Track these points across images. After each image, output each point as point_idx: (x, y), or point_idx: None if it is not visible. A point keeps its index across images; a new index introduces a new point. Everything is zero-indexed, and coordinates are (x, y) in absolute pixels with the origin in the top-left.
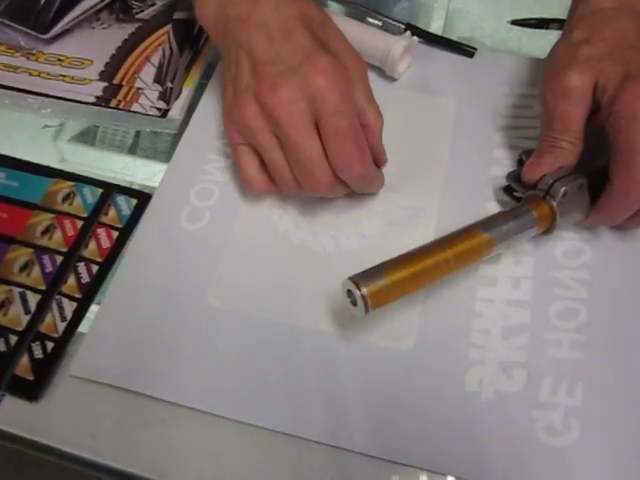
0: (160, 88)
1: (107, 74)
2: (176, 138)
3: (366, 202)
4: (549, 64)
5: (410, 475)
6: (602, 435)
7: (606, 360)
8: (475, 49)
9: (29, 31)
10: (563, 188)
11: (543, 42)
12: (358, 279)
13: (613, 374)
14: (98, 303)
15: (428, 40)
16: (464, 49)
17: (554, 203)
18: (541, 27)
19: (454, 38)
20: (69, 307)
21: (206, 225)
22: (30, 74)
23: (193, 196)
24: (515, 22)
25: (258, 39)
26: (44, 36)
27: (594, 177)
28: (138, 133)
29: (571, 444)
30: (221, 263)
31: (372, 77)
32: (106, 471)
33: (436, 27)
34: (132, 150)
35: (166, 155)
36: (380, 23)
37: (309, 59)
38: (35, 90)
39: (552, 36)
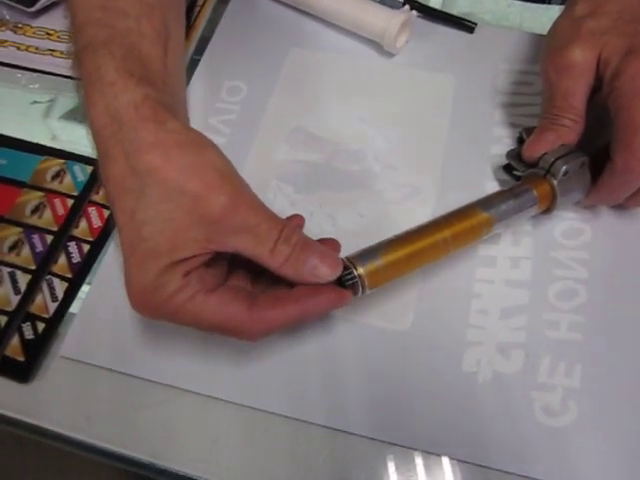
0: None
1: None
2: None
3: (364, 181)
4: (551, 39)
5: (406, 456)
6: (600, 416)
7: (604, 341)
8: (475, 24)
9: (14, 4)
10: (564, 166)
11: (544, 17)
12: (354, 259)
13: (611, 355)
14: (89, 283)
15: (427, 15)
16: (464, 24)
17: (555, 182)
18: (542, 1)
19: (454, 13)
20: (60, 287)
21: None
22: (18, 48)
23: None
24: None
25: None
26: (29, 9)
27: (595, 155)
28: None
29: (569, 425)
30: None
31: (370, 52)
32: (100, 453)
33: (435, 1)
34: None
35: None
36: None
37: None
38: (23, 65)
39: (553, 11)
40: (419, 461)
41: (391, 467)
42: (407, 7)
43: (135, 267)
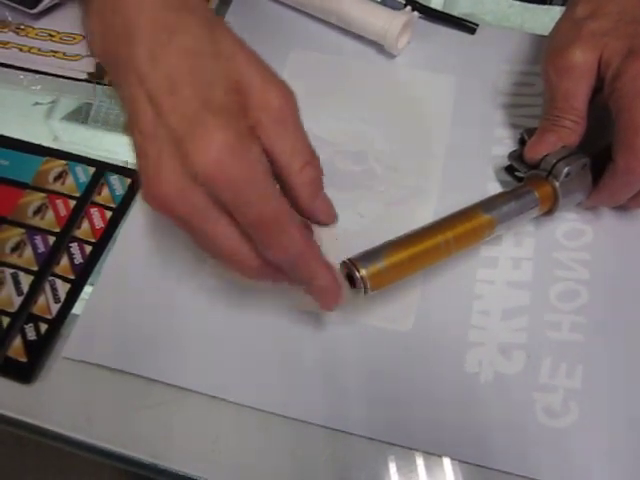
0: None
1: None
2: None
3: (365, 181)
4: (552, 40)
5: (407, 456)
6: (601, 417)
7: (606, 342)
8: (476, 25)
9: (16, 6)
10: (566, 168)
11: (546, 18)
12: (357, 260)
13: (613, 356)
14: (92, 284)
15: (429, 16)
16: (465, 25)
17: (557, 183)
18: (544, 2)
19: (455, 14)
20: (62, 288)
21: None
22: (20, 50)
23: None
24: None
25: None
26: (32, 11)
27: (596, 156)
28: None
29: (570, 426)
30: None
31: (371, 53)
32: (101, 453)
33: (437, 2)
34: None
35: None
36: None
37: (194, 127)
38: (25, 66)
39: (554, 12)
40: (420, 462)
41: (392, 468)
42: (409, 8)
43: (213, 120)
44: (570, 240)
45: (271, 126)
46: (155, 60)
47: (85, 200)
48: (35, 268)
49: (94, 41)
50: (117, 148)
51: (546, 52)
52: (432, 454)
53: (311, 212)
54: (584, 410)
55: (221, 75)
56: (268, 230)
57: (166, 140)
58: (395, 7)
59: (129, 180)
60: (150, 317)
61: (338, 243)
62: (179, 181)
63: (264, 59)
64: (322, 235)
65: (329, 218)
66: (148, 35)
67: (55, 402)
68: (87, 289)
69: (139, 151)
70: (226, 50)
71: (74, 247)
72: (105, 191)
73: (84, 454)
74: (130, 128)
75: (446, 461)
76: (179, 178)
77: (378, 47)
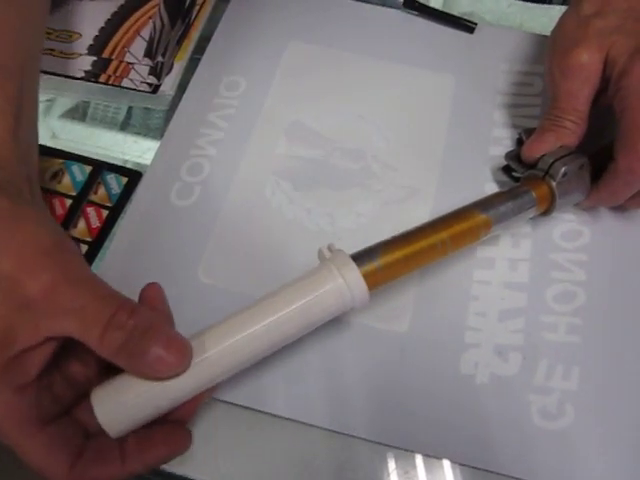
0: (151, 63)
1: (96, 48)
2: (168, 114)
3: (363, 180)
4: (557, 38)
5: (407, 458)
6: (597, 419)
7: (602, 344)
8: (475, 24)
9: None
10: (563, 168)
11: (545, 17)
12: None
13: (609, 358)
14: None
15: (428, 15)
16: (464, 24)
17: (554, 183)
18: (543, 2)
19: (454, 13)
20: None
21: (196, 201)
22: None
23: (184, 172)
24: None
25: None
26: None
27: (595, 157)
28: (130, 109)
29: (566, 428)
30: (211, 240)
31: (371, 49)
32: None
33: (436, 1)
34: (124, 127)
35: (158, 132)
36: None
37: None
38: None
39: (554, 11)
40: (419, 464)
41: (391, 469)
42: None
43: None
44: (567, 241)
45: (45, 316)
46: None
47: (81, 199)
48: None
49: None
50: (114, 147)
51: (550, 51)
52: (430, 456)
53: (147, 374)
54: (580, 412)
55: None
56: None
57: None
58: (394, 5)
59: (125, 179)
60: None
61: (334, 240)
62: None
63: (260, 54)
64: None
65: (180, 359)
66: None
67: None
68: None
69: None
70: None
71: (90, 211)
72: (101, 190)
73: None
74: None
75: (446, 463)
76: None
77: (378, 43)
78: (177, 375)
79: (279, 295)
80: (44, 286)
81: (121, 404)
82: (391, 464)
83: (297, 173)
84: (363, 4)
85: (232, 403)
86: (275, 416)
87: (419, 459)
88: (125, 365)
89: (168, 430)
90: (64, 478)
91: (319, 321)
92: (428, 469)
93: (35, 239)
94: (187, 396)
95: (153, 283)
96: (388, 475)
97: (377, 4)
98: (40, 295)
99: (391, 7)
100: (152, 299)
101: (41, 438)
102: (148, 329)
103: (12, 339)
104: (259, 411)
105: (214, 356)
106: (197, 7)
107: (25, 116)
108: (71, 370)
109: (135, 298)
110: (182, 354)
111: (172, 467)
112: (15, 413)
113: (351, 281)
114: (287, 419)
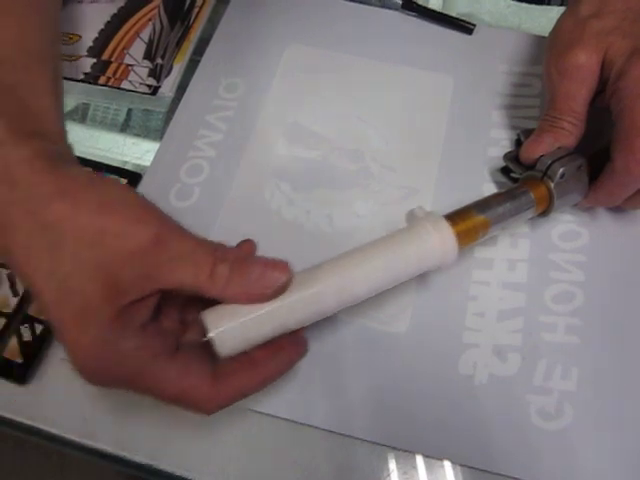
0: (150, 64)
1: (96, 50)
2: (167, 116)
3: (361, 180)
4: (555, 40)
5: (408, 459)
6: (596, 420)
7: (601, 344)
8: (474, 25)
9: None
10: (561, 169)
11: (543, 19)
12: None
13: (608, 358)
14: None
15: (426, 16)
16: (463, 25)
17: (552, 184)
18: (541, 3)
19: (453, 14)
20: None
21: (195, 202)
22: None
23: (183, 173)
24: None
25: None
26: None
27: (593, 158)
28: (130, 111)
29: (565, 428)
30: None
31: (369, 50)
32: (97, 454)
33: (435, 3)
34: (123, 128)
35: (157, 133)
36: None
37: (62, 334)
38: None
39: (552, 12)
40: (419, 464)
41: (392, 470)
42: None
43: (74, 327)
44: (566, 242)
45: (156, 269)
46: (9, 265)
47: None
48: None
49: None
50: (114, 148)
51: (548, 52)
52: (429, 457)
53: (255, 292)
54: (579, 412)
55: (74, 264)
56: (182, 406)
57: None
58: (392, 7)
59: (125, 180)
60: None
61: (334, 242)
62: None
63: (258, 56)
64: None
65: (272, 286)
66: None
67: (51, 403)
68: None
69: None
70: (66, 224)
71: None
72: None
73: (80, 455)
74: None
75: (445, 464)
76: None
77: (376, 44)
78: (282, 291)
79: (380, 244)
80: (152, 237)
81: (233, 324)
82: (391, 465)
83: (296, 174)
84: (362, 5)
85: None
86: (275, 417)
87: (419, 460)
88: (234, 295)
89: (288, 338)
90: (207, 395)
91: (413, 273)
92: (428, 470)
93: (130, 197)
94: (296, 323)
95: (248, 239)
96: (388, 476)
97: (376, 6)
98: (151, 246)
99: (390, 9)
100: (246, 248)
101: (176, 365)
102: (246, 258)
103: (124, 291)
104: (258, 412)
105: (324, 289)
106: (196, 9)
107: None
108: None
109: None
110: (282, 268)
111: (172, 467)
112: (146, 350)
113: (446, 238)
114: (287, 420)
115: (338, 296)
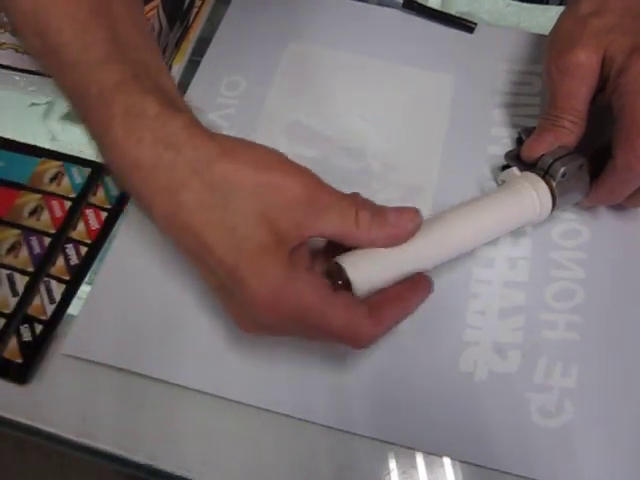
0: None
1: None
2: None
3: (363, 180)
4: (555, 38)
5: (408, 456)
6: (596, 417)
7: (601, 341)
8: (475, 24)
9: None
10: (563, 168)
11: (543, 18)
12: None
13: (608, 355)
14: (89, 283)
15: (427, 15)
16: (464, 24)
17: (553, 183)
18: (541, 2)
19: (452, 13)
20: (57, 289)
21: None
22: (16, 50)
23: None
24: None
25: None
26: None
27: (594, 156)
28: None
29: (565, 425)
30: None
31: (370, 49)
32: (97, 454)
33: (434, 2)
34: None
35: None
36: None
37: (237, 282)
38: (21, 67)
39: (552, 12)
40: (419, 461)
41: (392, 467)
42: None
43: (254, 269)
44: (566, 240)
45: (310, 217)
46: (173, 226)
47: (81, 201)
48: (31, 269)
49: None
50: None
51: (549, 50)
52: (431, 453)
53: (395, 237)
54: (579, 409)
55: (241, 215)
56: (344, 339)
57: (227, 292)
58: (393, 6)
59: None
60: (149, 315)
61: None
62: (250, 326)
63: (260, 54)
64: None
65: (413, 222)
66: (163, 202)
67: (51, 403)
68: (84, 288)
69: (214, 294)
70: (231, 180)
71: (70, 248)
72: (100, 192)
73: (80, 455)
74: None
75: (445, 461)
76: (246, 322)
77: (377, 43)
78: (414, 233)
79: (486, 200)
80: (306, 189)
81: (369, 265)
82: (391, 463)
83: None
84: (363, 4)
85: (232, 400)
86: (275, 413)
87: (419, 457)
88: (376, 238)
89: (416, 276)
90: (369, 327)
91: (514, 225)
92: (428, 468)
93: (281, 156)
94: (421, 266)
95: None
96: (388, 473)
97: (377, 4)
98: (306, 197)
99: (390, 7)
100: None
101: (341, 300)
102: (377, 206)
103: (286, 238)
104: (258, 408)
105: (445, 236)
106: (195, 9)
107: None
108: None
109: (139, 299)
110: (414, 212)
111: (172, 467)
112: (317, 286)
113: (542, 196)
114: (287, 417)
115: (456, 242)
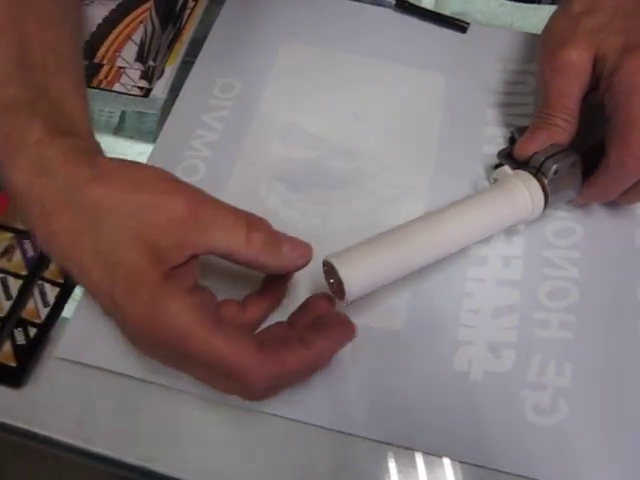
0: (142, 67)
1: (88, 52)
2: (160, 118)
3: (356, 180)
4: (548, 37)
5: (408, 456)
6: (591, 415)
7: (595, 340)
8: (468, 24)
9: None
10: (555, 165)
11: (535, 17)
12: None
13: (602, 354)
14: None
15: (420, 15)
16: (457, 24)
17: (545, 181)
18: (533, 1)
19: (446, 13)
20: (51, 292)
21: None
22: None
23: (179, 173)
24: None
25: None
26: None
27: (587, 154)
28: (123, 114)
29: (559, 424)
30: None
31: (364, 49)
32: (92, 457)
33: (427, 2)
34: (117, 131)
35: (151, 135)
36: None
37: (114, 310)
38: None
39: (544, 11)
40: (419, 461)
41: (392, 468)
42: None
43: (126, 294)
44: (560, 238)
45: (193, 235)
46: (51, 251)
47: None
48: (24, 272)
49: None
50: (108, 150)
51: (541, 49)
52: (427, 453)
53: (285, 268)
54: (573, 408)
55: (114, 239)
56: (234, 380)
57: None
58: (386, 6)
59: None
60: None
61: (328, 242)
62: (140, 349)
63: (254, 55)
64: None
65: (304, 259)
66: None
67: (45, 406)
68: (79, 289)
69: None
70: (102, 204)
71: None
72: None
73: (75, 458)
74: None
75: (445, 462)
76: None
77: (371, 42)
78: (302, 267)
79: (478, 198)
80: (186, 205)
81: (362, 263)
82: (390, 462)
83: (291, 174)
84: (356, 3)
85: (228, 404)
86: (272, 415)
87: (418, 457)
88: (266, 263)
89: (337, 319)
90: (256, 363)
91: (506, 224)
92: (427, 467)
93: (159, 173)
94: (418, 263)
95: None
96: (386, 473)
97: (370, 4)
98: (185, 214)
99: (384, 7)
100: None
101: (222, 330)
102: (275, 231)
103: (164, 258)
104: (255, 411)
105: (440, 235)
106: (188, 11)
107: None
108: None
109: None
110: (306, 248)
111: (167, 469)
112: (194, 310)
113: (534, 193)
114: (283, 418)
115: (448, 241)
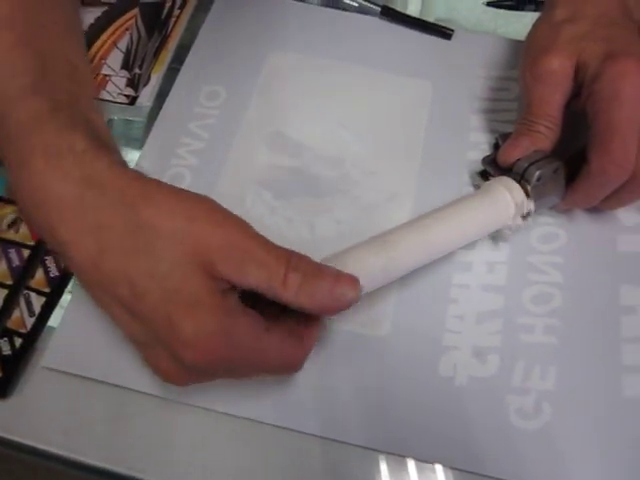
0: (128, 74)
1: None
2: (146, 125)
3: (342, 187)
4: (530, 45)
5: (400, 462)
6: (574, 418)
7: (579, 344)
8: (452, 31)
9: None
10: (538, 172)
11: (518, 24)
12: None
13: (585, 358)
14: (71, 292)
15: (405, 22)
16: (441, 31)
17: (529, 187)
18: (517, 8)
19: (430, 19)
20: (37, 302)
21: None
22: None
23: (165, 181)
24: (490, 3)
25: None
26: None
27: (570, 161)
28: (110, 121)
29: (543, 427)
30: None
31: (350, 56)
32: (78, 467)
33: (413, 10)
34: None
35: (138, 143)
36: (356, 4)
37: (167, 329)
38: None
39: (527, 18)
40: (411, 467)
41: (384, 474)
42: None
43: (190, 320)
44: (544, 244)
45: (231, 266)
46: (98, 269)
47: None
48: (9, 282)
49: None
50: None
51: (524, 57)
52: (415, 458)
53: (325, 304)
54: (557, 411)
55: (168, 262)
56: (282, 370)
57: (157, 343)
58: (371, 14)
59: None
60: None
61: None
62: (182, 377)
63: (240, 63)
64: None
65: (352, 287)
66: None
67: (31, 416)
68: (66, 297)
69: (138, 347)
70: (155, 225)
71: (49, 260)
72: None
73: (63, 468)
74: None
75: (438, 468)
76: (178, 372)
77: (356, 50)
78: (349, 306)
79: (461, 204)
80: (227, 240)
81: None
82: (382, 467)
83: (277, 182)
84: (341, 12)
85: (222, 412)
86: (264, 424)
87: (410, 463)
88: (306, 303)
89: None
90: (303, 354)
91: (490, 229)
92: (419, 472)
93: (209, 203)
94: (404, 269)
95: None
96: (378, 478)
97: (355, 12)
98: (229, 243)
99: (369, 14)
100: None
101: (276, 334)
102: (317, 270)
103: (217, 284)
104: (248, 419)
105: (429, 238)
106: (174, 18)
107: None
108: None
109: None
110: (351, 283)
111: (156, 478)
112: (252, 327)
113: (517, 198)
114: (275, 426)
115: (430, 247)
